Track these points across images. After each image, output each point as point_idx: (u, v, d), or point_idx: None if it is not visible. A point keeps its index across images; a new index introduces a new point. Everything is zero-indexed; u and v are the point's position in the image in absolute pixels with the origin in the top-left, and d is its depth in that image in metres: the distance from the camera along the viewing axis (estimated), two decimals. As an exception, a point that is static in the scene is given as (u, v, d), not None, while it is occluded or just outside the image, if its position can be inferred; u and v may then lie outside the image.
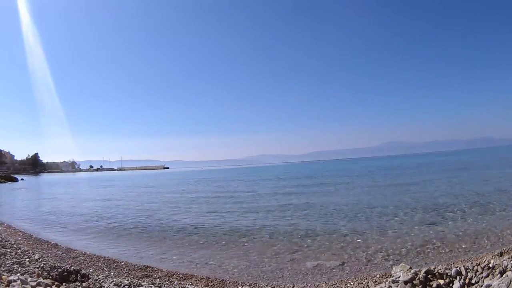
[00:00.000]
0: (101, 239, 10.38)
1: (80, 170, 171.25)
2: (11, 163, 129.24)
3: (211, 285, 5.97)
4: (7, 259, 6.50)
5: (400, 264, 4.67)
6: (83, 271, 5.78)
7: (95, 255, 8.14)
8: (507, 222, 9.65)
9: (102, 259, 7.75)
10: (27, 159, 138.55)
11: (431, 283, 3.55)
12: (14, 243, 8.64)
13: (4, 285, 3.86)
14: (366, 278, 5.74)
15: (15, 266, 5.87)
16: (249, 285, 5.93)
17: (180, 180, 51.80)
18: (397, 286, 3.71)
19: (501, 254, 5.63)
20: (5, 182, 52.98)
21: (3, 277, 4.19)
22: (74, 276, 5.52)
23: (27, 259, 6.65)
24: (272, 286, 5.92)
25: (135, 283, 5.38)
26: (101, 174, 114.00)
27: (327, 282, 5.86)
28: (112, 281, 5.34)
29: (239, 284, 6.03)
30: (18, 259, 6.60)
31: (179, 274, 6.56)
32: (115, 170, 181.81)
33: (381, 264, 6.79)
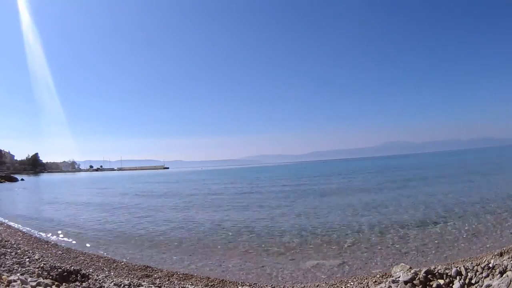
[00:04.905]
0: (103, 241, 10.39)
1: (80, 170, 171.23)
2: (11, 163, 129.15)
3: (211, 285, 5.97)
4: (7, 259, 6.50)
5: (400, 264, 4.68)
6: (83, 271, 5.78)
7: (95, 255, 8.15)
8: (507, 222, 9.64)
9: (102, 259, 7.75)
10: (27, 159, 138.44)
11: (431, 283, 3.55)
12: (14, 243, 8.64)
13: (4, 285, 3.86)
14: (366, 278, 5.74)
15: (15, 266, 5.87)
16: (249, 285, 5.93)
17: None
18: (397, 286, 3.71)
19: (501, 254, 5.63)
20: (5, 182, 53.02)
21: (3, 277, 4.19)
22: (74, 276, 5.52)
23: (27, 259, 6.65)
24: (272, 285, 5.92)
25: (135, 283, 5.38)
26: (101, 174, 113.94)
27: (327, 282, 5.86)
28: (112, 281, 5.34)
29: (239, 284, 6.03)
30: (18, 259, 6.60)
31: (179, 274, 6.57)
32: (115, 170, 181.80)
33: (381, 264, 6.79)
